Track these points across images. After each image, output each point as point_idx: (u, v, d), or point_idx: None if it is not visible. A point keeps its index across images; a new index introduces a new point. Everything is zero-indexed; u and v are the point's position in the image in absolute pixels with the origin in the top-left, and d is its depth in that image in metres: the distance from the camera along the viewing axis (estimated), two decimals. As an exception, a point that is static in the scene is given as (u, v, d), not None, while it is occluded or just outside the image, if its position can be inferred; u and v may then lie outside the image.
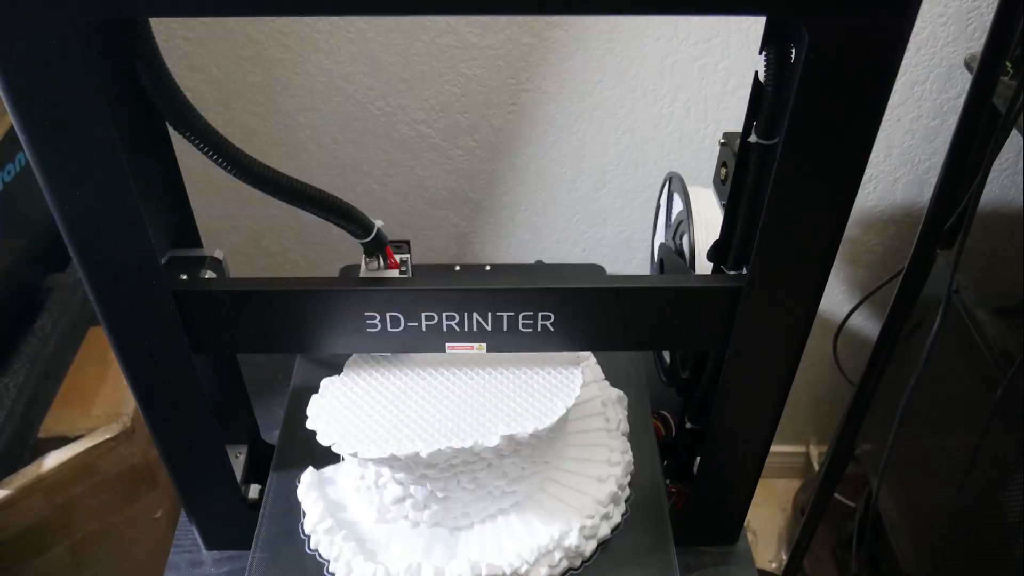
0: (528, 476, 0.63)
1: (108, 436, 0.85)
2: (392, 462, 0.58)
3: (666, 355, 0.79)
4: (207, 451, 0.63)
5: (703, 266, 0.63)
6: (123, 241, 0.49)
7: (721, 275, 0.59)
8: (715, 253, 0.59)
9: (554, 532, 0.61)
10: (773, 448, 0.64)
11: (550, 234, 1.25)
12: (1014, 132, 0.93)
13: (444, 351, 0.58)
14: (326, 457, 0.67)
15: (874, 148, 0.49)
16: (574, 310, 0.56)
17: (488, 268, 0.60)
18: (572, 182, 1.19)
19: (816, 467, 1.53)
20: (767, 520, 1.55)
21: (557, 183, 1.19)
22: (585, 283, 0.55)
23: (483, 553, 0.61)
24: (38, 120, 0.44)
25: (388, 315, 0.56)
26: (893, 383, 0.97)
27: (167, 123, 0.50)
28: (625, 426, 0.71)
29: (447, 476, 0.60)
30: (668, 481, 0.71)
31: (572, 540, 0.61)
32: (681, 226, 0.70)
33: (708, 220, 0.66)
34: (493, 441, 0.57)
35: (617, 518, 0.65)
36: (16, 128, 0.44)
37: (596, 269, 0.60)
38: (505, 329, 0.57)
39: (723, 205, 0.65)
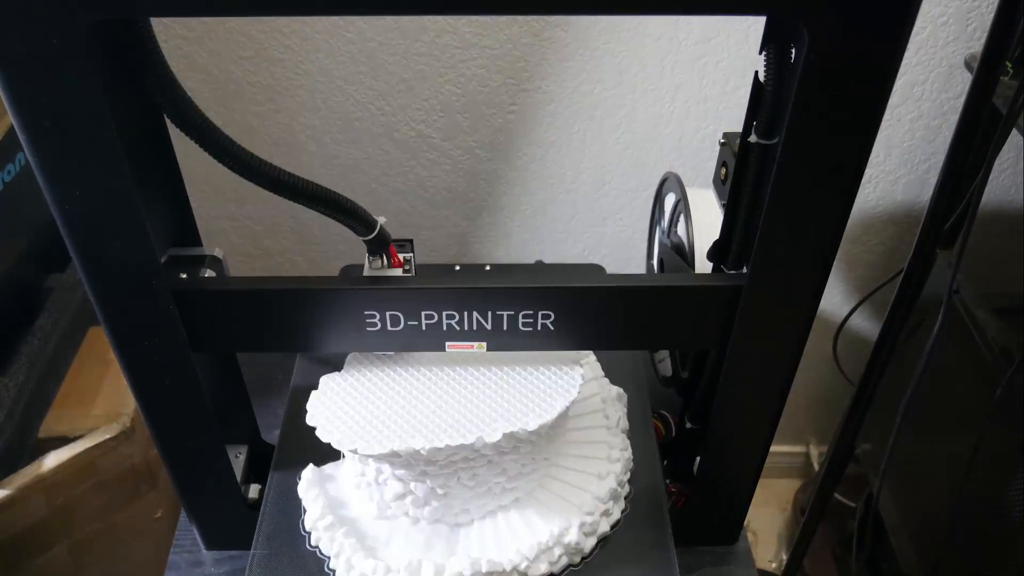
0: (528, 473, 0.64)
1: (108, 436, 0.85)
2: (392, 458, 0.58)
3: (659, 359, 0.79)
4: (207, 451, 0.63)
5: (703, 266, 0.63)
6: (123, 240, 0.49)
7: (721, 275, 0.59)
8: (715, 253, 0.59)
9: (554, 528, 0.61)
10: (773, 448, 0.64)
11: (550, 234, 1.25)
12: (1014, 132, 0.93)
13: (444, 350, 0.58)
14: (327, 455, 0.67)
15: (874, 148, 0.49)
16: (574, 309, 0.56)
17: (488, 268, 0.60)
18: (572, 182, 1.19)
19: (816, 467, 1.53)
20: (767, 520, 1.55)
21: (557, 183, 1.19)
22: (585, 282, 0.55)
23: (483, 549, 0.62)
24: (38, 120, 0.44)
25: (388, 314, 0.56)
26: (893, 383, 0.97)
27: (168, 122, 0.50)
28: (625, 423, 0.71)
29: (447, 472, 0.60)
30: (668, 481, 0.71)
31: (572, 537, 0.61)
32: (679, 225, 0.70)
33: (708, 220, 0.66)
34: (494, 437, 0.57)
35: (617, 515, 0.65)
36: (16, 128, 0.44)
37: (596, 269, 0.60)
38: (505, 328, 0.57)
39: (723, 205, 0.65)
